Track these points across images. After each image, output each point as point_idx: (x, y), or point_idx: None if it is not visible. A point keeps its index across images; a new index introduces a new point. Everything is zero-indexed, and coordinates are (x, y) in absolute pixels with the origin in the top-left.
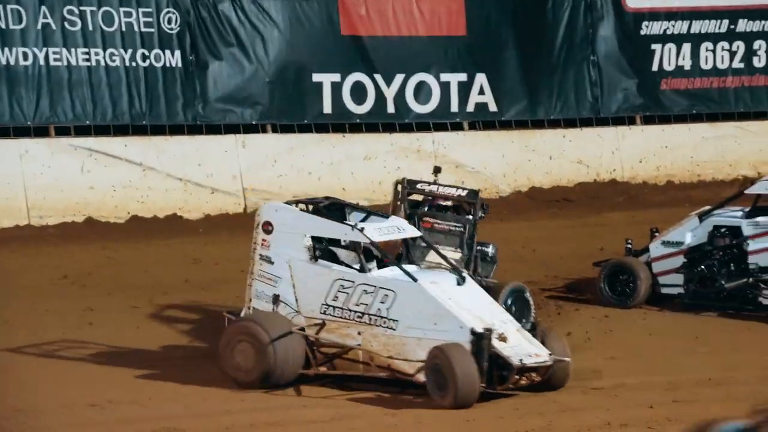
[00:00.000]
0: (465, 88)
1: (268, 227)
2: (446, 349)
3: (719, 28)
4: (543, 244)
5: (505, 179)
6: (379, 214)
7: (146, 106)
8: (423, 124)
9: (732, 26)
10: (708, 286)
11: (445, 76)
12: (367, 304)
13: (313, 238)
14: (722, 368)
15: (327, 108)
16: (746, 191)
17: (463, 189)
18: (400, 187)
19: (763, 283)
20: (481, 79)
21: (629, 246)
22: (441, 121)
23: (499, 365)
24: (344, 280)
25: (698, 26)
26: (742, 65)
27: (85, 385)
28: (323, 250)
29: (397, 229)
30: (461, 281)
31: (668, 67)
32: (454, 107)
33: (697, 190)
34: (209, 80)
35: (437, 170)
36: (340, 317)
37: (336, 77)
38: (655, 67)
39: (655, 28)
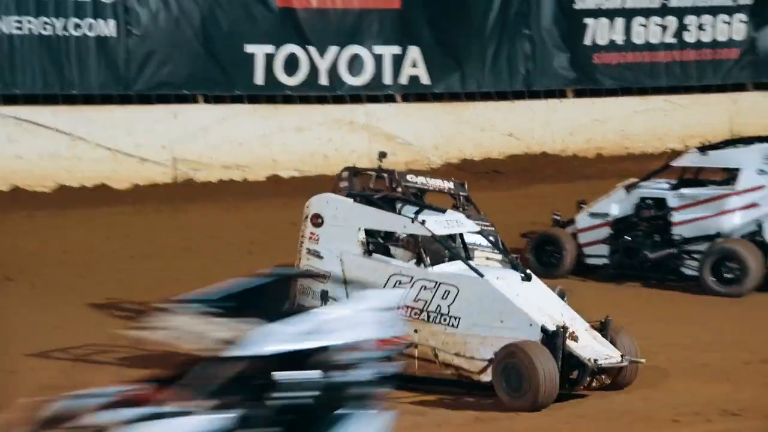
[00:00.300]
0: (398, 61)
1: (317, 220)
2: (525, 346)
3: (652, 3)
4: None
5: (437, 151)
6: (432, 207)
7: (77, 75)
8: (356, 96)
9: (664, 1)
10: (633, 256)
11: (378, 49)
12: (426, 301)
13: (367, 232)
14: (643, 338)
15: (259, 79)
16: (672, 163)
17: (449, 181)
18: (387, 179)
19: (686, 253)
20: (414, 52)
21: (556, 217)
22: (374, 93)
23: (572, 365)
24: (401, 275)
25: (631, 1)
26: (674, 40)
27: None
28: (377, 245)
29: (456, 222)
30: (526, 278)
31: (601, 41)
32: (387, 80)
33: (626, 163)
34: (141, 50)
35: (383, 155)
36: None
37: (269, 49)
38: (587, 42)
39: (588, 2)
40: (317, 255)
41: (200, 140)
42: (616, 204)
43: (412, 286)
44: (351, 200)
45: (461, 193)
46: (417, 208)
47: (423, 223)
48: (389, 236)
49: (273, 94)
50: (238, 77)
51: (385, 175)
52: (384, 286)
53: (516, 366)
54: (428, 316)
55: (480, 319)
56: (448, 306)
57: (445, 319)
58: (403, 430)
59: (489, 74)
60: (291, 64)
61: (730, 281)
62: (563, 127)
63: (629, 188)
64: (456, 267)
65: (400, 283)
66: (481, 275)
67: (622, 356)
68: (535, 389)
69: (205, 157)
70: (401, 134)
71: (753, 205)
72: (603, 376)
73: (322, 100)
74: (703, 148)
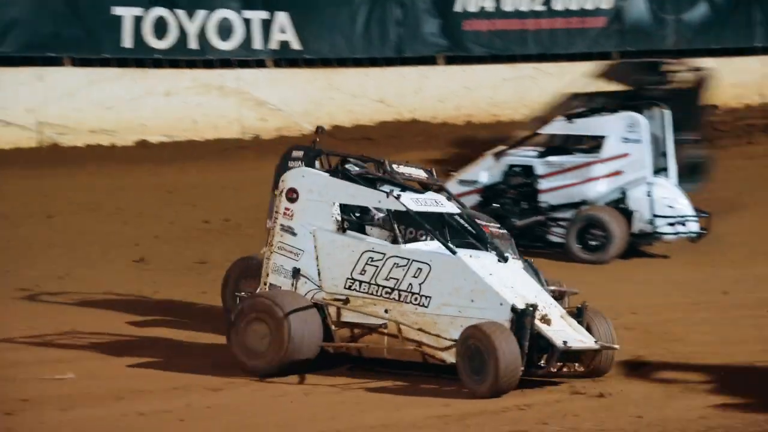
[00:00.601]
0: (267, 26)
1: (292, 195)
2: (485, 328)
3: None
4: None
5: (308, 117)
6: (414, 189)
7: None
8: (226, 61)
9: None
10: (501, 223)
11: (247, 13)
12: (397, 279)
13: (343, 209)
14: None
15: (127, 42)
16: (540, 131)
17: (419, 168)
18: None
19: (553, 220)
20: (282, 17)
21: None
22: (244, 58)
23: (541, 348)
24: (374, 251)
25: None
26: (543, 8)
27: None
28: (353, 223)
29: (435, 202)
30: (503, 259)
31: (471, 8)
32: (258, 44)
33: (496, 130)
34: (5, 11)
35: (320, 130)
36: (367, 293)
37: (137, 11)
38: (458, 8)
39: None
40: (291, 231)
41: (66, 104)
42: (485, 171)
43: (384, 264)
44: (327, 174)
45: (435, 183)
46: (399, 189)
47: (398, 198)
48: (366, 215)
49: (142, 57)
50: (105, 40)
51: (363, 163)
52: (356, 264)
53: (477, 348)
54: (399, 295)
55: (451, 299)
56: (420, 284)
57: (416, 299)
58: (364, 411)
59: (360, 40)
60: (160, 27)
61: (595, 248)
62: (434, 94)
63: (498, 156)
64: (431, 245)
65: (372, 260)
66: (454, 252)
67: (596, 342)
68: (495, 374)
69: (72, 121)
70: (272, 100)
71: (617, 173)
72: (576, 364)
73: (191, 64)
74: (570, 116)
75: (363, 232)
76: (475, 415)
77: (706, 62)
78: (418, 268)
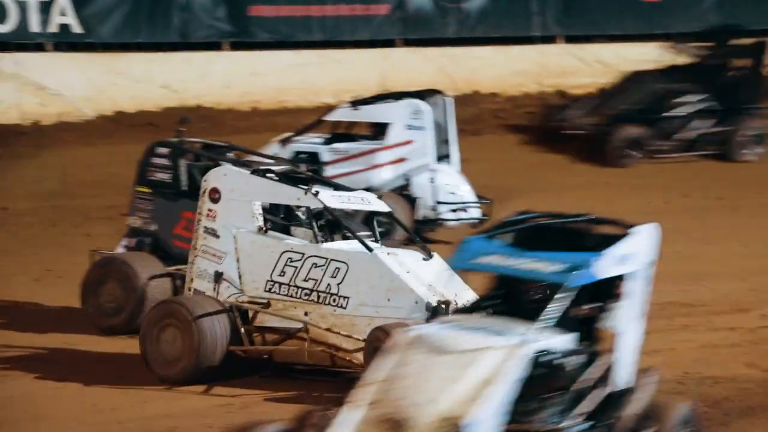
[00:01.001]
0: (45, 8)
1: (215, 195)
2: (389, 329)
3: None
4: (126, 169)
5: (90, 103)
6: (348, 188)
7: None
8: (2, 44)
9: None
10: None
11: None
12: (316, 280)
13: (267, 210)
14: None
15: None
16: (325, 118)
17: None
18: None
19: None
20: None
21: None
22: (22, 42)
23: None
24: (293, 252)
25: None
26: None
27: None
28: (277, 225)
29: (362, 200)
30: (427, 257)
31: None
32: (35, 27)
33: (282, 117)
34: None
35: (184, 120)
36: (286, 295)
37: None
38: None
39: None
40: (214, 234)
41: None
42: None
43: (303, 264)
44: (248, 173)
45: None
46: (332, 187)
47: (316, 194)
48: (291, 216)
49: None
50: None
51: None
52: (275, 265)
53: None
54: (318, 297)
55: (368, 299)
56: (338, 285)
57: (334, 300)
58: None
59: (144, 24)
60: None
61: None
62: (219, 80)
63: (284, 142)
64: (350, 244)
65: (291, 261)
66: (370, 250)
67: None
68: None
69: None
70: (52, 85)
71: (402, 160)
72: None
73: None
74: (355, 103)
75: (287, 231)
76: (258, 403)
77: (485, 51)
78: (336, 268)
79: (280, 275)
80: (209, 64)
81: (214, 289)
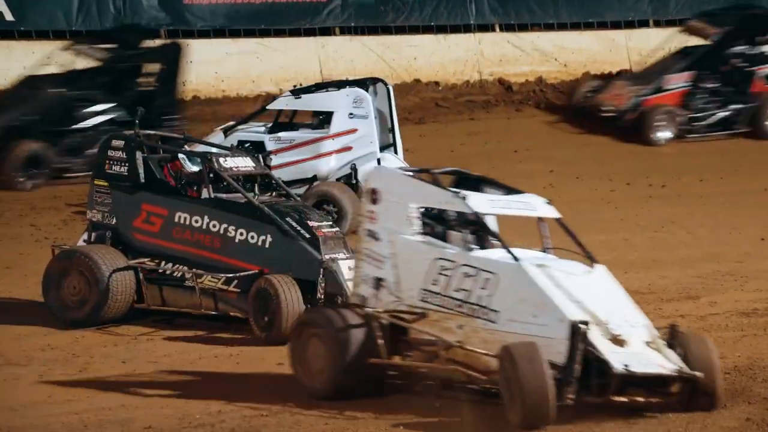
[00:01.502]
0: None
1: (374, 196)
2: (514, 349)
3: None
4: None
5: None
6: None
7: None
8: None
9: None
10: None
11: None
12: (468, 290)
13: (426, 214)
14: None
15: None
16: (268, 107)
17: (245, 156)
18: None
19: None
20: None
21: None
22: None
23: (600, 371)
24: (445, 259)
25: None
26: None
27: None
28: (435, 230)
29: (525, 205)
30: (588, 270)
31: None
32: None
33: (222, 106)
34: None
35: (140, 111)
36: (440, 306)
37: None
38: None
39: None
40: (374, 237)
41: None
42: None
43: (455, 273)
44: (402, 173)
45: (264, 172)
46: (504, 192)
47: (464, 198)
48: (444, 219)
49: None
50: None
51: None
52: (428, 273)
53: (507, 374)
54: (470, 309)
55: (516, 314)
56: (489, 297)
57: (485, 313)
58: None
59: (78, 12)
60: None
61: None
62: None
63: (227, 131)
64: (498, 253)
65: (444, 269)
66: (517, 259)
67: (676, 369)
68: (521, 401)
69: None
70: None
71: (347, 148)
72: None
73: None
74: (296, 92)
75: (444, 239)
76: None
77: (424, 39)
78: (486, 278)
79: (433, 284)
80: None
81: (375, 296)
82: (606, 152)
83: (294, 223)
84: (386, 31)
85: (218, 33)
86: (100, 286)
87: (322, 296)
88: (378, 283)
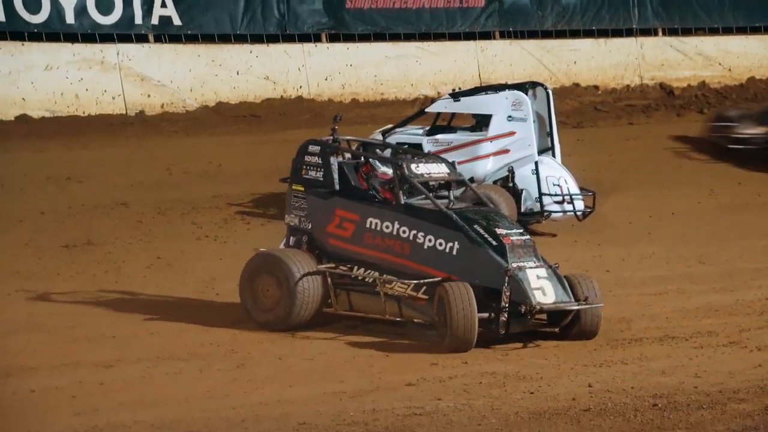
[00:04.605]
0: (148, 1)
1: None
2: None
3: None
4: (230, 160)
5: (192, 94)
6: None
7: None
8: (106, 35)
9: None
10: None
11: None
12: None
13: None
14: None
15: (0, 15)
16: (427, 110)
17: (441, 162)
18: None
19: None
20: None
21: None
22: (125, 33)
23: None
24: None
25: None
26: None
27: None
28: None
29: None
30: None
31: None
32: (138, 19)
33: (381, 109)
34: None
35: (338, 118)
36: None
37: None
38: None
39: None
40: None
41: None
42: None
43: None
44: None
45: (458, 179)
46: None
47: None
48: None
49: (18, 30)
50: None
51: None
52: None
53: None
54: None
55: None
56: None
57: None
58: None
59: (243, 16)
60: (32, 1)
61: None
62: (318, 72)
63: (385, 134)
64: None
65: None
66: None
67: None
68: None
69: None
70: (155, 76)
71: (504, 151)
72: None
73: (70, 38)
74: (455, 95)
75: None
76: (370, 392)
77: (584, 44)
78: None
79: None
80: (308, 55)
81: None
82: None
83: (482, 230)
84: (546, 35)
85: (378, 37)
86: (290, 289)
87: (507, 304)
88: None
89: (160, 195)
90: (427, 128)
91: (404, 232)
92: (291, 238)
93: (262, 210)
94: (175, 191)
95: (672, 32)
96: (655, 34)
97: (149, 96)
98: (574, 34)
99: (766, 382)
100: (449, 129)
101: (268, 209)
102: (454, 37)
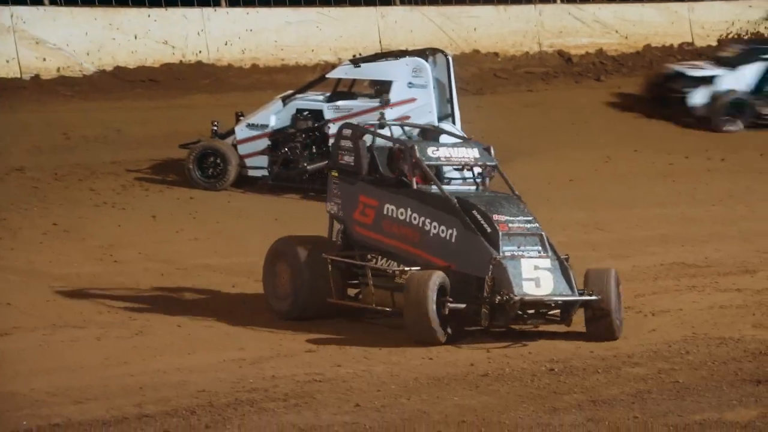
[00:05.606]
0: None
1: None
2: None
3: None
4: (129, 125)
5: (89, 57)
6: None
7: None
8: None
9: None
10: (291, 168)
11: None
12: None
13: None
14: None
15: None
16: (327, 75)
17: (473, 146)
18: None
19: None
20: None
21: (215, 128)
22: None
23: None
24: None
25: None
26: None
27: None
28: None
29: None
30: None
31: None
32: None
33: (281, 74)
34: None
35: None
36: None
37: None
38: None
39: None
40: None
41: None
42: (274, 115)
43: None
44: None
45: (488, 163)
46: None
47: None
48: None
49: None
50: None
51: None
52: None
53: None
54: None
55: None
56: None
57: None
58: None
59: None
60: None
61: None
62: (218, 37)
63: (286, 100)
64: None
65: None
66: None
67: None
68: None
69: None
70: (51, 39)
71: (405, 118)
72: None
73: None
74: (355, 61)
75: None
76: (270, 358)
77: (484, 10)
78: None
79: None
80: (207, 19)
81: None
82: (666, 127)
83: (478, 216)
84: (446, 1)
85: (279, 2)
86: (299, 277)
87: (488, 295)
88: None
89: (57, 160)
90: (328, 94)
91: (415, 218)
92: (333, 227)
93: (161, 176)
94: (73, 156)
95: (570, 0)
96: (554, 1)
97: (45, 59)
98: (475, 1)
99: (660, 346)
100: (350, 95)
101: (167, 175)
102: (355, 2)
